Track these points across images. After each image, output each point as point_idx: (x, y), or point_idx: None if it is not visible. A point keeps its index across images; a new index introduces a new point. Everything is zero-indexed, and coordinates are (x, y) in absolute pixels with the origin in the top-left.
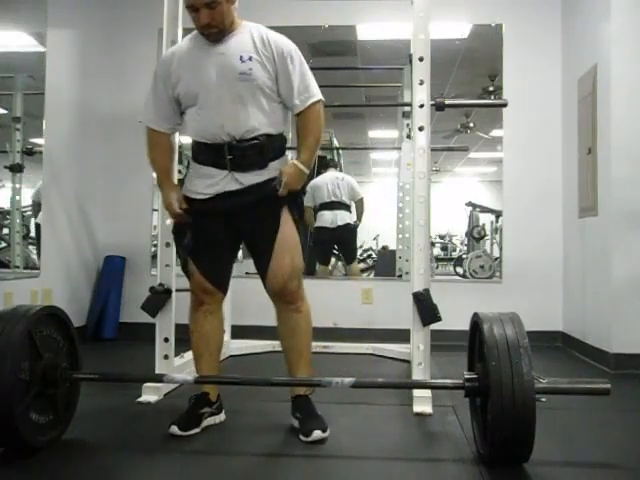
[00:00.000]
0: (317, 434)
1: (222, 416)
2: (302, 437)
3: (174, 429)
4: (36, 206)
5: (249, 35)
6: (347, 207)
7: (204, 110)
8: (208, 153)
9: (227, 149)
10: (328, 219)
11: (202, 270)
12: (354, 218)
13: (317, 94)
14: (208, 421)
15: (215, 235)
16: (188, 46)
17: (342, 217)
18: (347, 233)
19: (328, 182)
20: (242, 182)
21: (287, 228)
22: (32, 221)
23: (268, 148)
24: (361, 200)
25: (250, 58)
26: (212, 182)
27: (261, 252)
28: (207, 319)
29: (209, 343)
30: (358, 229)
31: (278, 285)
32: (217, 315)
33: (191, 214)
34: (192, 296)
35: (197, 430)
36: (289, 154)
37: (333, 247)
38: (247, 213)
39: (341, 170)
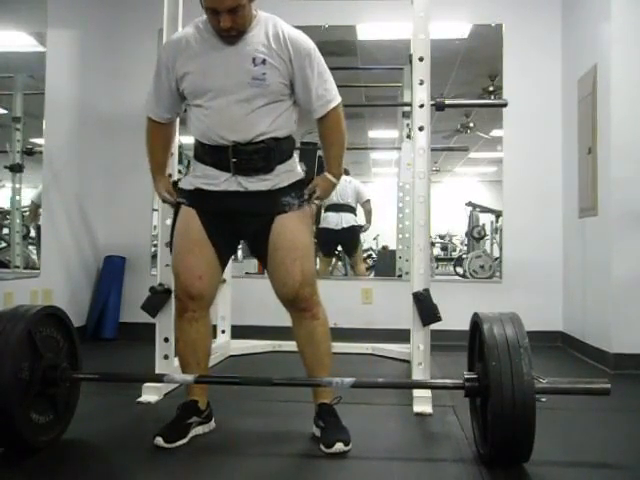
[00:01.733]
0: (339, 446)
1: (212, 424)
2: (323, 447)
3: (159, 441)
4: (34, 207)
5: (264, 32)
6: (352, 209)
7: (210, 111)
8: (211, 154)
9: (231, 152)
10: (333, 221)
11: (188, 270)
12: (359, 220)
13: (335, 97)
14: (196, 430)
15: (209, 230)
16: (197, 38)
17: (347, 219)
18: (351, 234)
19: None
20: (246, 187)
21: (297, 233)
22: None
23: (275, 152)
24: (368, 202)
25: (264, 61)
26: (214, 182)
27: (269, 259)
28: (192, 327)
29: (196, 352)
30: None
31: (289, 293)
32: (203, 322)
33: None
34: (175, 301)
35: (184, 441)
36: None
37: (336, 247)
38: (251, 217)
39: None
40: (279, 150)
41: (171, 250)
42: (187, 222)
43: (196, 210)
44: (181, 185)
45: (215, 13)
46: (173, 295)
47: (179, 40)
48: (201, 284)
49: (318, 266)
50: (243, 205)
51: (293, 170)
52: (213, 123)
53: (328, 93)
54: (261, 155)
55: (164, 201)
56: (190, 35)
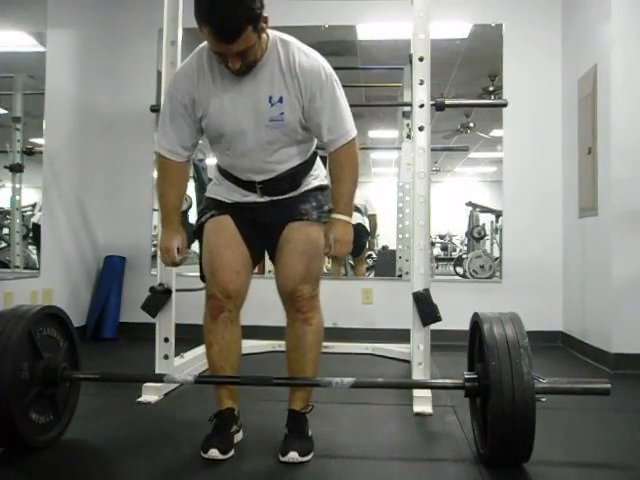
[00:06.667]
0: (292, 455)
1: (241, 434)
2: (279, 455)
3: (215, 453)
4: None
5: (277, 64)
6: (360, 211)
7: (232, 152)
8: (237, 181)
9: (257, 183)
10: None
11: (226, 265)
12: (367, 225)
13: (349, 132)
14: (237, 438)
15: (242, 232)
16: (207, 74)
17: (355, 217)
18: (359, 231)
19: None
20: (273, 200)
21: (311, 233)
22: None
23: (300, 173)
24: (374, 217)
25: (281, 99)
26: (240, 196)
27: (277, 251)
28: (228, 328)
29: (230, 355)
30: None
31: (290, 285)
32: (237, 323)
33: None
34: (210, 302)
35: (233, 452)
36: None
37: None
38: (271, 227)
39: None
40: (304, 168)
41: (200, 255)
42: (220, 222)
43: (228, 214)
44: (208, 194)
45: (222, 54)
46: (205, 296)
47: (189, 75)
48: (239, 280)
49: (330, 266)
50: (264, 215)
51: (316, 177)
52: (237, 164)
53: (340, 127)
54: (288, 180)
55: (168, 262)
56: (199, 69)
